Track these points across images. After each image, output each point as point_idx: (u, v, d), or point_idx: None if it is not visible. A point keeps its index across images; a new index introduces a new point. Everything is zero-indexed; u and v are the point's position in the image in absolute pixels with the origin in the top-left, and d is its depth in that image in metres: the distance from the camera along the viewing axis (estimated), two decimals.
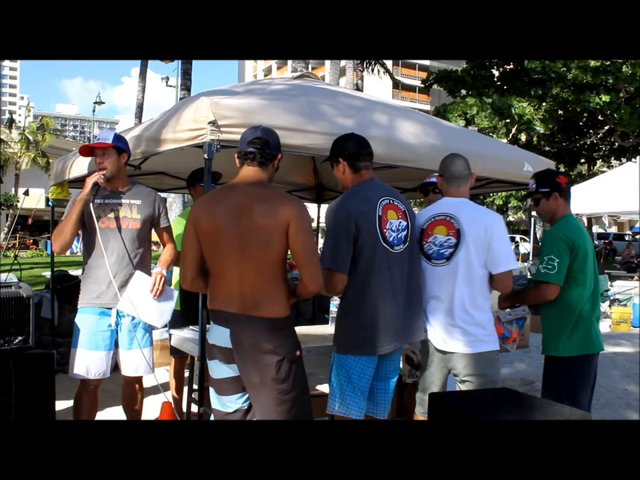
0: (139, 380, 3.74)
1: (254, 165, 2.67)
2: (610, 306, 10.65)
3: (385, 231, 2.91)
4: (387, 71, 25.84)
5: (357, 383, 2.92)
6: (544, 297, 3.25)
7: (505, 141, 17.50)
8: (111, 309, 3.52)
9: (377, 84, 32.76)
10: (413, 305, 3.00)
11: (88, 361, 3.48)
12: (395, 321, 2.91)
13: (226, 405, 2.74)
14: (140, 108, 20.19)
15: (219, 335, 2.65)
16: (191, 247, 2.69)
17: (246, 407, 2.73)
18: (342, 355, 2.95)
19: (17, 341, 3.31)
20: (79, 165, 4.82)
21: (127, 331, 3.56)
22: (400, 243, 2.95)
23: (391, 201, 2.98)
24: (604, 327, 9.47)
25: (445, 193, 3.23)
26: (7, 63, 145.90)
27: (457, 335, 3.01)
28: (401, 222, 2.98)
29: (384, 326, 2.89)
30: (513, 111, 18.04)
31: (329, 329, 4.19)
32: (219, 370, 2.71)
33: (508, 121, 18.37)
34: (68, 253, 25.85)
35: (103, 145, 3.50)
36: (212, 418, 2.89)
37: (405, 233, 2.99)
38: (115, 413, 4.19)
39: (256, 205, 2.57)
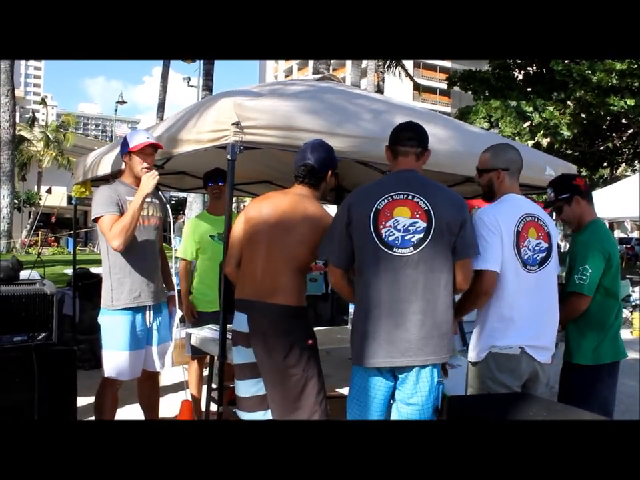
0: (157, 376, 3.81)
1: (306, 186, 2.96)
2: (632, 312, 10.49)
3: (381, 228, 2.55)
4: (407, 74, 25.79)
5: (358, 396, 2.65)
6: (579, 310, 3.11)
7: (528, 144, 17.36)
8: (146, 307, 3.57)
9: (398, 85, 32.66)
10: (421, 322, 2.52)
11: (131, 362, 3.51)
12: (387, 334, 2.52)
13: (241, 389, 2.95)
14: (162, 108, 20.35)
15: (238, 321, 2.89)
16: (239, 235, 2.99)
17: (259, 395, 2.90)
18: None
19: (40, 337, 3.36)
20: (103, 164, 4.88)
21: (159, 327, 3.64)
22: (407, 246, 2.53)
23: (409, 197, 2.57)
24: (625, 333, 9.34)
25: (507, 189, 2.93)
26: (31, 62, 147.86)
27: (550, 344, 2.89)
28: (415, 222, 2.54)
29: (372, 336, 2.54)
30: (538, 116, 17.84)
31: (348, 330, 4.19)
32: (240, 355, 2.92)
33: (533, 124, 18.17)
34: (88, 250, 26.10)
35: (158, 146, 3.55)
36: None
37: (421, 236, 2.54)
38: (133, 409, 4.24)
39: (302, 213, 2.86)
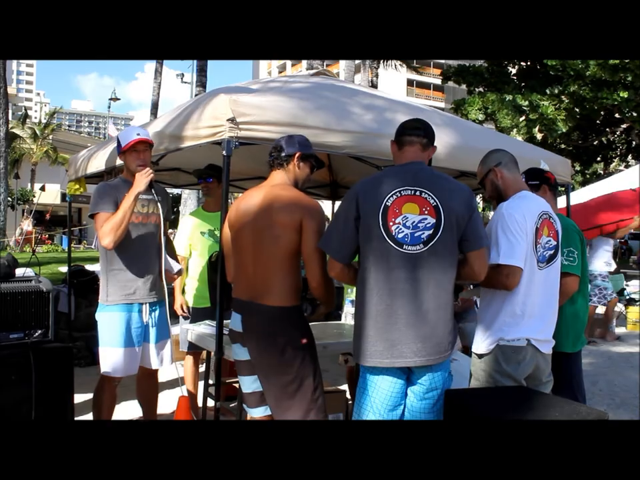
0: (156, 373, 3.81)
1: (277, 169, 2.89)
2: (626, 306, 10.55)
3: (390, 225, 2.49)
4: (405, 62, 25.88)
5: (374, 396, 2.57)
6: (571, 290, 3.15)
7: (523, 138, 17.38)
8: (142, 304, 3.56)
9: (392, 81, 32.71)
10: (423, 322, 2.48)
11: (126, 359, 3.50)
12: (388, 332, 2.48)
13: (243, 384, 2.96)
14: (155, 104, 20.30)
15: (234, 320, 2.90)
16: (228, 242, 3.00)
17: (260, 391, 2.89)
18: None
19: (36, 334, 3.35)
20: (96, 161, 4.87)
21: (156, 324, 3.63)
22: (417, 243, 2.48)
23: (417, 192, 2.51)
24: (621, 327, 9.39)
25: (513, 184, 2.93)
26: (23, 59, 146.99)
27: (551, 336, 2.94)
28: (425, 219, 2.49)
29: (374, 334, 2.50)
30: (534, 111, 17.82)
31: (343, 325, 4.21)
32: (239, 352, 2.91)
33: (529, 118, 18.14)
34: (82, 248, 26.02)
35: (148, 141, 3.49)
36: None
37: (430, 232, 2.49)
38: (131, 406, 4.24)
39: (275, 203, 2.78)
